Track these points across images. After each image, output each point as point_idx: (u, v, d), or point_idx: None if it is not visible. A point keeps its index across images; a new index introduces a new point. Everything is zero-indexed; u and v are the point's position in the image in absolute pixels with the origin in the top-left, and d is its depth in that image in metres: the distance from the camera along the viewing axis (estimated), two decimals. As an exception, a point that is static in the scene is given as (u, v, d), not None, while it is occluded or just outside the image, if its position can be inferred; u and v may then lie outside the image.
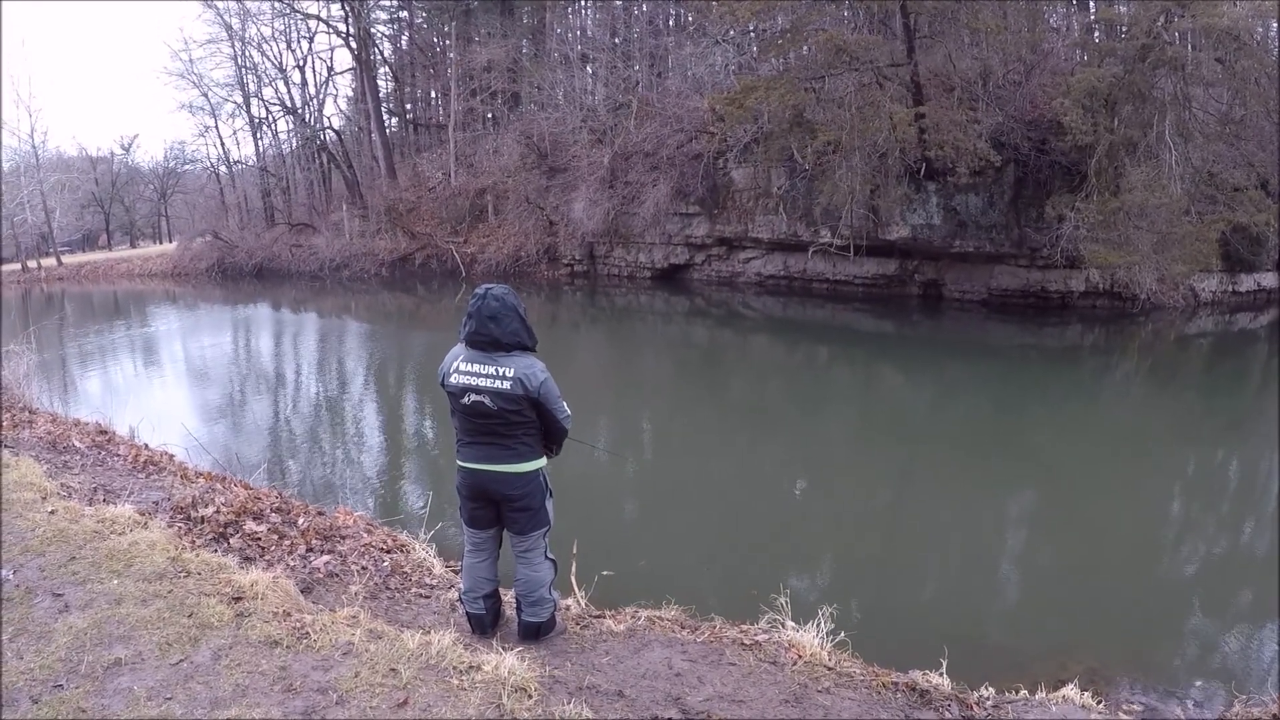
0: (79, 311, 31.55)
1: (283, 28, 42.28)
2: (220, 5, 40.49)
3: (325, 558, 5.20)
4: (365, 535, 5.72)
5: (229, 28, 40.86)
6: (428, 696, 3.42)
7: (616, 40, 34.64)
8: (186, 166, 60.76)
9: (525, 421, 3.85)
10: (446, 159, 36.21)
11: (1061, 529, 7.90)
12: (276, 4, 40.26)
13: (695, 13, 27.79)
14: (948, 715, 3.69)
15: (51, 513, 5.35)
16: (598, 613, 4.60)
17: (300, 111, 42.48)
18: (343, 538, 5.57)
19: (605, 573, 4.96)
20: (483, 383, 3.79)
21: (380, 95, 41.39)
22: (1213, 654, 5.61)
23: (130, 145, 66.91)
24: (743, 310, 23.16)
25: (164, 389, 15.66)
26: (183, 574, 4.45)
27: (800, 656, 4.02)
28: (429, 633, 3.92)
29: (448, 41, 39.21)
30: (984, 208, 19.43)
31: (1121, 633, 5.73)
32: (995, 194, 19.25)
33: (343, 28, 38.89)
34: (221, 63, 54.31)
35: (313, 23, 40.62)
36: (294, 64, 43.35)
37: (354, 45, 38.12)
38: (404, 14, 44.33)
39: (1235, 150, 18.41)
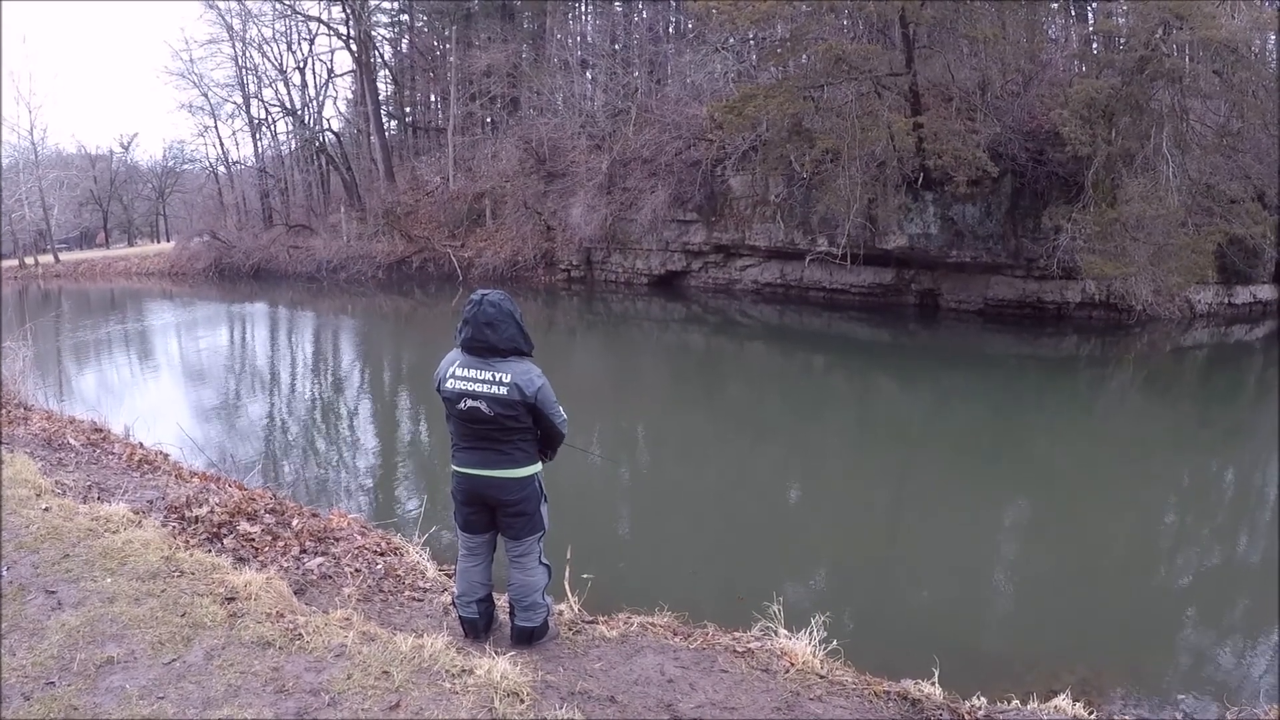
0: (76, 309, 31.47)
1: (284, 29, 42.42)
2: (221, 6, 40.61)
3: (319, 559, 5.19)
4: (359, 537, 5.71)
5: (230, 28, 40.98)
6: (420, 699, 3.42)
7: (616, 46, 34.73)
8: (185, 166, 61.02)
9: (521, 427, 3.86)
10: (445, 163, 36.22)
11: (1055, 537, 7.91)
12: (278, 5, 40.34)
13: (695, 20, 27.85)
14: (939, 724, 3.69)
15: (46, 510, 5.34)
16: (591, 618, 4.59)
17: (300, 113, 42.52)
18: (336, 540, 5.56)
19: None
20: (479, 388, 3.79)
21: (380, 98, 41.42)
22: (1206, 665, 5.62)
23: (129, 144, 67.15)
24: (739, 318, 23.18)
25: (159, 387, 15.63)
26: (176, 573, 4.44)
27: (792, 664, 4.02)
28: (422, 636, 3.92)
29: (448, 45, 39.24)
30: (981, 218, 19.48)
31: (1115, 642, 5.74)
32: (992, 204, 19.31)
33: (343, 30, 38.96)
34: (222, 63, 54.57)
35: (313, 25, 40.73)
36: (294, 65, 43.40)
37: (354, 48, 38.16)
38: (405, 17, 44.43)
39: (1232, 162, 18.48)
